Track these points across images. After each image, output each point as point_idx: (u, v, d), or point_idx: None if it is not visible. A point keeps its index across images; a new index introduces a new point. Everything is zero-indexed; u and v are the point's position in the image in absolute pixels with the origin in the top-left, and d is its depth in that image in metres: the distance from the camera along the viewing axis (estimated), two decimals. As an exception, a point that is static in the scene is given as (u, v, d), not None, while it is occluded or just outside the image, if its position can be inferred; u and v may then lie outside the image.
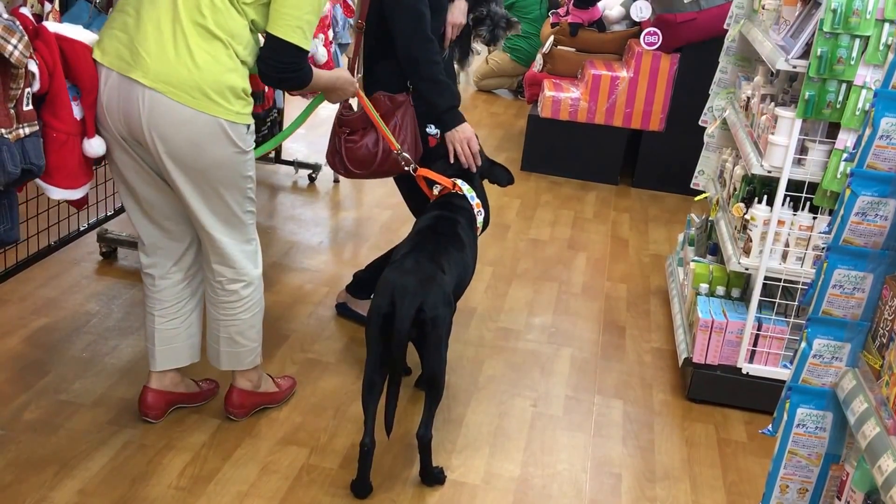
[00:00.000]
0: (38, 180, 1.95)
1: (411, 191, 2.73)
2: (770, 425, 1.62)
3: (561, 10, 5.45)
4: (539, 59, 5.31)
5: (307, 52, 2.08)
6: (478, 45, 3.00)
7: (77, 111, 1.95)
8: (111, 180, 2.86)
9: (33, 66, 1.77)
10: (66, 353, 2.69)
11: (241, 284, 2.26)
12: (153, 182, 2.16)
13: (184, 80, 1.95)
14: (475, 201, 2.52)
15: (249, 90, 2.08)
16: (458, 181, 2.54)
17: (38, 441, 2.26)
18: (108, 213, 3.32)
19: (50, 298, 2.99)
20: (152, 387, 2.37)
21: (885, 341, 1.43)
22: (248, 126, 2.10)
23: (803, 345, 1.55)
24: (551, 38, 5.18)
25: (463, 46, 2.92)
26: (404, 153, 2.54)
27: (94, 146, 2.01)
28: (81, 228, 3.15)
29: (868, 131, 1.44)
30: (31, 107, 1.75)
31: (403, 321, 2.05)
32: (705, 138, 3.46)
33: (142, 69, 1.95)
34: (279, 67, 2.08)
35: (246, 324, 2.31)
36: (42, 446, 2.24)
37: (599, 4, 5.11)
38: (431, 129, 2.72)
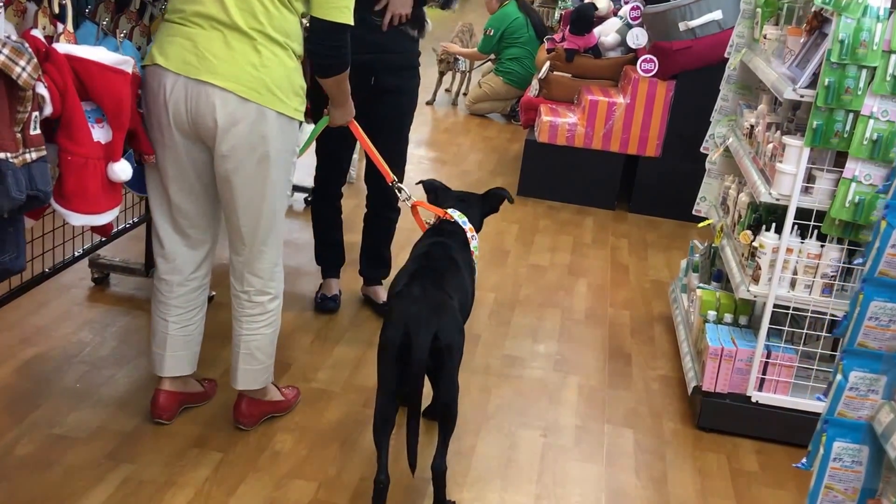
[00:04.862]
0: (56, 206, 1.91)
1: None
2: (804, 459, 1.58)
3: (557, 36, 5.47)
4: (535, 84, 5.32)
5: (351, 25, 2.18)
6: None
7: (100, 134, 1.90)
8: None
9: (42, 90, 1.71)
10: (59, 384, 2.59)
11: (268, 297, 2.35)
12: (192, 190, 2.24)
13: (252, 78, 2.07)
14: (468, 226, 2.49)
15: (305, 87, 2.21)
16: (450, 210, 2.52)
17: (31, 478, 2.17)
18: (102, 239, 3.23)
19: (40, 327, 2.90)
20: (165, 388, 2.42)
21: (926, 375, 1.40)
22: (301, 123, 2.23)
23: (839, 377, 1.51)
24: (547, 64, 5.19)
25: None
26: (399, 184, 2.64)
27: (119, 171, 1.98)
28: (76, 254, 3.06)
29: (904, 161, 1.42)
30: (38, 131, 1.69)
31: (422, 350, 1.99)
32: (707, 165, 3.46)
33: (210, 71, 2.06)
34: (332, 46, 2.19)
35: (266, 339, 2.38)
36: (36, 484, 2.15)
37: (595, 31, 5.14)
38: None
